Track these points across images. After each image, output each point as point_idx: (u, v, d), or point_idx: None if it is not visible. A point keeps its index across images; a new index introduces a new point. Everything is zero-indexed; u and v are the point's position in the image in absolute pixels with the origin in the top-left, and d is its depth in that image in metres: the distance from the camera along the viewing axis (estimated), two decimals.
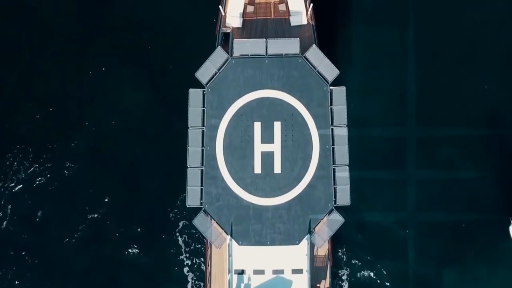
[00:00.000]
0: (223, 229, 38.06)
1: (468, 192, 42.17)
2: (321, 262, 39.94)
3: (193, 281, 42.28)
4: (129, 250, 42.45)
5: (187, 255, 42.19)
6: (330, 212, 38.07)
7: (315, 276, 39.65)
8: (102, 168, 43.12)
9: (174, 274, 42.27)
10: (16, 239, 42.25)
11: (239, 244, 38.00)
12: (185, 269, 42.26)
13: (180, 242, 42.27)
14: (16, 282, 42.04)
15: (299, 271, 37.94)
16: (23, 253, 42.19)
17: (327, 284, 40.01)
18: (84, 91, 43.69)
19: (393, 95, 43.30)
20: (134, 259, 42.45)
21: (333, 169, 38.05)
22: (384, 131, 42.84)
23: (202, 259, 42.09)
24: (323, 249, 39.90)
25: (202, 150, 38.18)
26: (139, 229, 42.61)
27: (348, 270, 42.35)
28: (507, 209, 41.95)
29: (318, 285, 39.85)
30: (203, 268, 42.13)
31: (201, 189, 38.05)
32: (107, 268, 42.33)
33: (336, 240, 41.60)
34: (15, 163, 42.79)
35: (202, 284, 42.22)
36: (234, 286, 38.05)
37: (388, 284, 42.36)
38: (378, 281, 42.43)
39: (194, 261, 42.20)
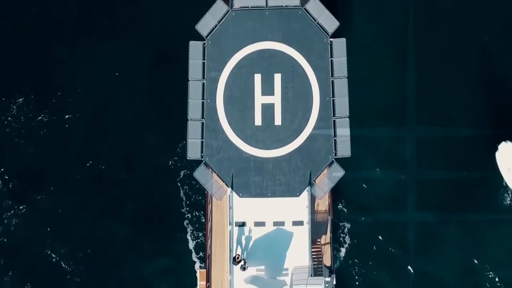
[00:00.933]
0: (223, 181, 38.12)
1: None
2: (322, 217, 39.98)
3: (191, 231, 42.35)
4: (128, 202, 42.46)
5: (188, 208, 42.23)
6: (331, 164, 38.12)
7: (316, 231, 39.69)
8: (101, 119, 43.15)
9: (174, 226, 42.28)
10: (13, 190, 42.24)
11: (239, 196, 38.06)
12: (185, 222, 42.32)
13: (182, 194, 42.34)
14: (13, 232, 42.07)
15: (300, 223, 37.98)
16: (21, 206, 42.30)
17: (328, 239, 40.04)
18: (85, 45, 43.64)
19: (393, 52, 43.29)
20: (132, 212, 42.48)
21: (334, 121, 38.11)
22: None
23: (202, 212, 42.05)
24: (323, 204, 39.94)
25: (203, 102, 38.25)
26: (138, 181, 42.60)
27: (349, 224, 42.34)
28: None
29: (318, 240, 39.87)
30: (203, 220, 42.15)
31: (202, 141, 38.12)
32: (105, 220, 42.46)
33: (336, 195, 41.62)
34: (15, 110, 42.94)
35: (201, 234, 42.24)
36: (235, 238, 38.11)
37: (388, 236, 42.37)
38: (379, 234, 42.41)
39: (194, 214, 42.24)
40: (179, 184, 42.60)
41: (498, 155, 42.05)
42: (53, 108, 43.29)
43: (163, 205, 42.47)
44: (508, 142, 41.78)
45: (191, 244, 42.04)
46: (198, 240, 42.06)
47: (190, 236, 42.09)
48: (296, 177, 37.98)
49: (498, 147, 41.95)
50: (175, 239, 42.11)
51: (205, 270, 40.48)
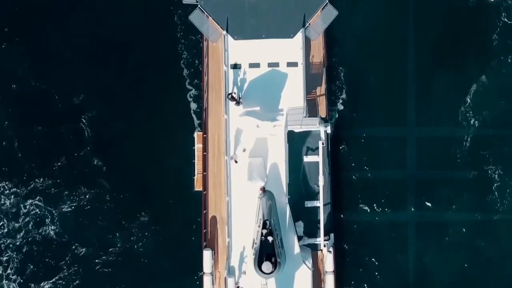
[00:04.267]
0: (219, 25, 38.68)
1: None
2: (317, 69, 40.33)
3: (185, 56, 42.75)
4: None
5: (182, 33, 42.54)
6: (324, 6, 38.67)
7: (311, 83, 39.97)
8: None
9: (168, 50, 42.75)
10: None
11: (234, 39, 38.64)
12: (179, 46, 42.69)
13: (176, 18, 42.61)
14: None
15: (294, 64, 38.42)
16: None
17: (323, 91, 40.32)
18: None
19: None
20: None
21: None
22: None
23: (199, 36, 41.99)
24: (318, 56, 40.26)
25: None
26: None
27: (345, 69, 42.45)
28: None
29: (314, 91, 40.19)
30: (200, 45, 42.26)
31: None
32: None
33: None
34: None
35: (196, 60, 42.60)
36: (231, 80, 38.61)
37: (386, 81, 42.57)
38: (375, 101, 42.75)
39: (189, 38, 42.56)
40: (171, 8, 42.66)
41: None
42: None
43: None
44: None
45: (185, 71, 42.40)
46: (192, 69, 42.40)
47: (184, 63, 42.45)
48: (290, 19, 38.53)
49: None
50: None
51: (201, 133, 40.71)
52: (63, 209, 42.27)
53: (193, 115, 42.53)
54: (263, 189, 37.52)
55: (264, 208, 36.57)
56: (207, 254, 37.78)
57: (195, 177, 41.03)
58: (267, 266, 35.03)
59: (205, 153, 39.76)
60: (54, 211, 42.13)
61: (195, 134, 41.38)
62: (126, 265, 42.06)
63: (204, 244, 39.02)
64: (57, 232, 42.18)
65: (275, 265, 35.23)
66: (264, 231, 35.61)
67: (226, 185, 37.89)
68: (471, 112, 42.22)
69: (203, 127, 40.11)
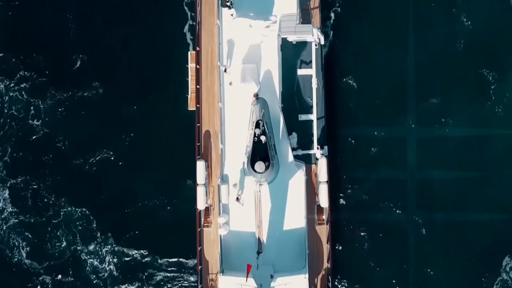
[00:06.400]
0: None
1: None
2: None
3: None
4: None
5: None
6: None
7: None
8: None
9: None
10: None
11: None
12: None
13: None
14: None
15: None
16: None
17: (317, 4, 40.08)
18: None
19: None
20: None
21: None
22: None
23: None
24: None
25: None
26: None
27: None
28: None
29: (308, 2, 39.89)
30: None
31: None
32: None
33: None
34: None
35: None
36: None
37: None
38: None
39: None
40: None
41: None
42: None
43: None
44: None
45: None
46: None
47: None
48: None
49: None
50: None
51: (195, 51, 40.41)
52: (50, 103, 41.91)
53: (185, 7, 41.96)
54: (256, 96, 37.15)
55: (258, 113, 36.22)
56: (200, 165, 37.29)
57: (189, 96, 40.63)
58: (260, 165, 34.70)
59: (198, 67, 39.34)
60: (39, 104, 41.81)
61: (189, 53, 41.02)
62: (113, 168, 41.84)
63: (198, 157, 38.54)
64: (40, 126, 41.81)
65: (268, 167, 34.84)
66: (258, 131, 35.21)
67: (219, 92, 37.55)
68: None
69: (196, 41, 39.77)
